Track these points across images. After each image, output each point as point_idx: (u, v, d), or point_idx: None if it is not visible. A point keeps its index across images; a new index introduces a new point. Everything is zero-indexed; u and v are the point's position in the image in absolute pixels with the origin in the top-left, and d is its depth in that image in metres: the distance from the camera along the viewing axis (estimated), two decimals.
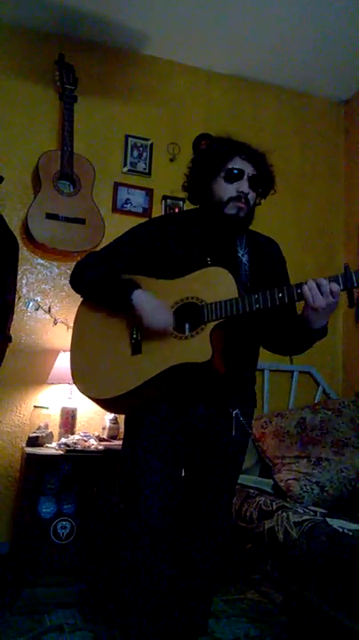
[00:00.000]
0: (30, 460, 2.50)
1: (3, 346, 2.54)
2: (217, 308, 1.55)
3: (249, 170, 1.67)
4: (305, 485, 2.40)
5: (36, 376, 2.85)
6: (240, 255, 1.71)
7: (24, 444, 2.67)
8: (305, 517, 2.05)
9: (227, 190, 1.65)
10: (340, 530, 1.88)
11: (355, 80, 3.48)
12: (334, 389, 3.40)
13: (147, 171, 3.19)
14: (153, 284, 1.66)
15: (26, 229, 2.82)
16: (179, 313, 1.62)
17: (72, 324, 1.81)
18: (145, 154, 3.19)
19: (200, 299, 1.59)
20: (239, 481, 2.52)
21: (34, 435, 2.63)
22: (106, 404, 1.71)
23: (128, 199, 3.13)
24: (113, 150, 3.15)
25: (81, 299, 1.83)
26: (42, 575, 2.39)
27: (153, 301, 1.60)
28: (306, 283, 1.48)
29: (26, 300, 2.92)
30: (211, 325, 1.55)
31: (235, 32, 3.07)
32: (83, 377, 1.72)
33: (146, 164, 3.19)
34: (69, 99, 2.93)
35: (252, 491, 2.45)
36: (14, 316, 2.66)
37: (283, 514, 2.12)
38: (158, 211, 3.16)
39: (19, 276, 2.74)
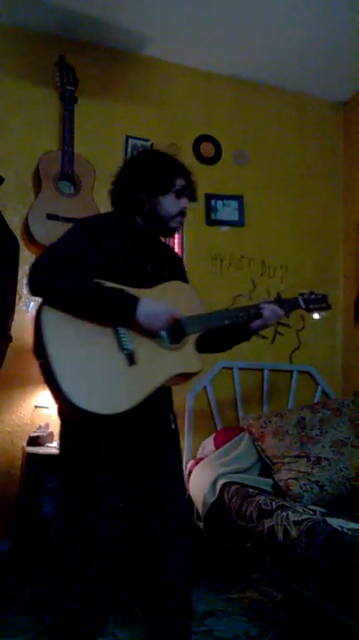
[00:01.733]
0: (31, 459, 2.50)
1: (4, 346, 2.54)
2: (197, 323, 1.74)
3: (187, 187, 1.83)
4: (304, 485, 2.41)
5: (37, 376, 2.78)
6: (168, 263, 1.88)
7: (25, 444, 2.68)
8: (304, 517, 2.05)
9: (176, 205, 1.80)
10: (340, 529, 1.89)
11: (354, 81, 3.49)
12: (333, 389, 3.41)
13: None
14: (134, 293, 1.65)
15: (26, 230, 2.83)
16: None
17: (37, 327, 1.56)
18: None
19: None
20: (239, 480, 2.56)
21: (34, 434, 2.64)
22: (103, 418, 1.56)
23: None
24: (113, 151, 3.16)
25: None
26: (42, 574, 2.39)
27: (155, 308, 1.64)
28: (264, 308, 1.84)
29: (26, 300, 2.92)
30: (193, 338, 1.74)
31: (234, 33, 3.08)
32: (82, 390, 1.53)
33: None
34: (70, 100, 2.94)
35: (252, 490, 2.46)
36: (15, 316, 2.67)
37: (283, 513, 2.12)
38: None
39: (19, 277, 2.75)
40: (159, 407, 1.75)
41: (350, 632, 1.78)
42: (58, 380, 1.52)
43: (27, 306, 2.92)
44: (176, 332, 1.70)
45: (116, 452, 1.68)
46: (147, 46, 3.21)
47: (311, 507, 2.30)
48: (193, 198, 1.86)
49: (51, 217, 2.80)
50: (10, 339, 2.60)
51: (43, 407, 2.75)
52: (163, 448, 1.76)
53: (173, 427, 1.79)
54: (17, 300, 2.75)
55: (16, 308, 2.72)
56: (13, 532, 2.69)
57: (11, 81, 3.00)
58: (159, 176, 1.78)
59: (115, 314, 1.60)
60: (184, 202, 1.81)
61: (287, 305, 1.92)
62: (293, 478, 2.44)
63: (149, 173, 1.80)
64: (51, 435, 2.67)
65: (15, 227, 2.83)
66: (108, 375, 1.58)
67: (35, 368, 2.84)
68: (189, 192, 1.83)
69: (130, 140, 3.18)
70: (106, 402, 1.55)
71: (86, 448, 1.66)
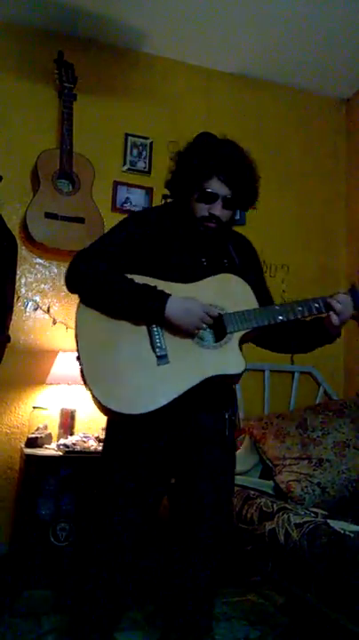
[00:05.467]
0: (29, 461, 2.48)
1: (2, 346, 2.52)
2: (242, 319, 1.58)
3: (224, 192, 1.62)
4: (306, 487, 2.38)
5: (35, 376, 2.84)
6: (233, 256, 1.72)
7: (23, 445, 2.66)
8: (306, 519, 2.03)
9: (199, 209, 1.64)
10: (342, 531, 1.87)
11: (356, 78, 3.46)
12: (335, 390, 3.38)
13: (146, 169, 3.17)
14: (167, 288, 1.58)
15: (25, 229, 2.81)
16: None
17: (73, 326, 1.61)
18: (144, 152, 3.18)
19: (219, 306, 1.59)
20: (239, 482, 2.53)
21: (33, 436, 2.62)
22: (132, 418, 1.54)
23: (127, 198, 3.12)
24: (112, 149, 3.14)
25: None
26: (41, 577, 2.37)
27: (186, 304, 1.54)
28: (332, 300, 1.64)
29: (24, 299, 2.90)
30: (238, 336, 1.58)
31: (235, 30, 3.05)
32: (110, 389, 1.53)
33: (145, 162, 3.18)
34: (69, 97, 2.92)
35: (253, 492, 2.44)
36: (13, 316, 2.64)
37: (284, 515, 2.10)
38: None
39: (17, 276, 2.73)
40: (212, 411, 1.63)
41: (352, 635, 1.76)
42: (86, 379, 1.54)
43: (26, 306, 2.90)
44: (220, 329, 1.59)
45: (154, 455, 1.59)
46: (147, 43, 3.18)
47: (313, 509, 2.28)
48: (230, 205, 1.65)
49: (49, 216, 2.78)
50: (8, 339, 2.58)
51: (41, 408, 2.73)
52: (211, 453, 1.63)
53: (227, 433, 1.64)
54: (15, 299, 2.73)
55: (14, 309, 2.69)
56: (12, 534, 2.67)
57: (9, 78, 2.98)
58: (185, 177, 1.66)
59: (143, 311, 1.55)
60: (209, 207, 1.62)
61: None
62: (295, 480, 2.42)
63: (177, 173, 1.70)
64: (49, 436, 2.65)
65: (13, 226, 2.80)
66: (137, 374, 1.53)
67: (33, 368, 2.86)
68: (224, 197, 1.62)
69: (129, 138, 3.16)
70: (130, 402, 1.51)
71: (121, 448, 1.62)
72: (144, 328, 1.57)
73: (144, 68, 3.25)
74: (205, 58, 3.30)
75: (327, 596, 1.83)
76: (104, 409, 1.54)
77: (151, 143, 3.18)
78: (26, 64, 3.01)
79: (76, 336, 1.59)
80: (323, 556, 1.84)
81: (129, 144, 3.15)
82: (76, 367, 1.57)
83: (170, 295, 1.53)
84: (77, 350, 1.58)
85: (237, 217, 3.40)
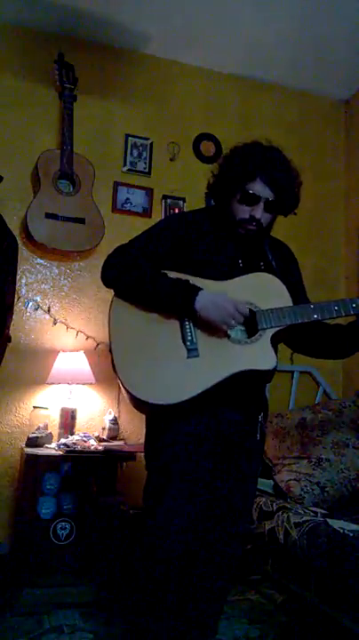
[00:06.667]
0: (30, 460, 2.49)
1: (3, 346, 2.53)
2: (275, 316, 1.57)
3: (267, 194, 1.61)
4: (305, 486, 2.39)
5: (36, 376, 2.85)
6: (271, 260, 1.71)
7: (23, 445, 2.67)
8: (305, 518, 2.04)
9: (240, 211, 1.63)
10: (341, 531, 1.88)
11: (355, 79, 3.47)
12: (335, 390, 3.39)
13: (147, 170, 3.18)
14: (200, 283, 1.59)
15: (25, 229, 2.81)
16: None
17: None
18: (145, 153, 3.18)
19: (253, 304, 1.59)
20: None
21: (33, 435, 2.62)
22: (159, 409, 1.55)
23: (128, 199, 3.13)
24: (113, 150, 3.14)
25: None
26: (41, 576, 2.38)
27: (216, 298, 1.54)
28: None
29: (25, 300, 2.91)
30: (270, 332, 1.57)
31: (235, 31, 3.06)
32: (138, 379, 1.56)
33: (146, 163, 3.18)
34: (69, 98, 2.92)
35: None
36: (14, 316, 2.65)
37: (284, 514, 2.11)
38: (158, 210, 3.15)
39: (18, 276, 2.73)
40: (244, 411, 1.63)
41: (351, 634, 1.77)
42: (116, 370, 1.56)
43: (26, 306, 2.91)
44: (252, 326, 1.59)
45: (184, 450, 1.57)
46: (147, 44, 3.19)
47: (312, 508, 2.29)
48: (272, 209, 1.64)
49: (49, 216, 2.79)
50: (8, 339, 2.59)
51: (41, 408, 2.74)
52: (241, 458, 1.63)
53: (258, 437, 1.64)
54: (15, 300, 2.73)
55: (15, 309, 2.70)
56: (12, 533, 2.68)
57: (9, 79, 2.99)
58: (228, 178, 1.66)
59: (174, 303, 1.56)
60: (250, 209, 1.62)
61: None
62: (294, 479, 2.43)
63: (221, 173, 1.70)
64: (49, 436, 2.66)
65: (14, 226, 2.81)
66: (167, 367, 1.55)
67: (34, 368, 2.87)
68: (266, 200, 1.61)
69: (129, 139, 3.16)
70: (159, 392, 1.52)
71: (158, 443, 1.61)
72: (176, 322, 1.58)
73: (144, 69, 3.26)
74: (205, 59, 3.31)
75: (326, 594, 1.84)
76: (133, 400, 1.55)
77: (151, 144, 3.19)
78: (26, 65, 3.02)
79: (109, 329, 1.62)
80: (322, 554, 1.85)
81: (129, 145, 3.16)
82: (109, 359, 1.61)
83: (201, 289, 1.54)
84: (110, 342, 1.61)
85: None
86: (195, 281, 1.58)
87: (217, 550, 1.65)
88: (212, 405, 1.57)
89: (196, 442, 1.57)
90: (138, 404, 1.57)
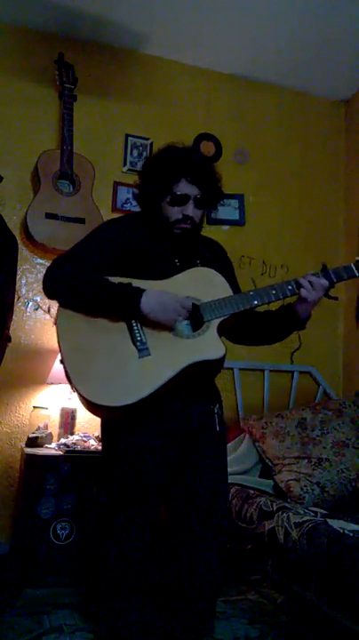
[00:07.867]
0: (30, 460, 2.49)
1: (3, 346, 2.52)
2: (218, 307, 1.63)
3: (194, 192, 1.71)
4: (305, 486, 2.39)
5: (36, 376, 2.85)
6: (206, 256, 1.78)
7: (23, 445, 2.67)
8: (305, 518, 2.04)
9: (172, 213, 1.72)
10: (341, 531, 1.87)
11: (355, 79, 3.47)
12: (334, 390, 3.39)
13: None
14: (142, 284, 1.65)
15: (25, 229, 2.81)
16: None
17: (56, 330, 1.67)
18: (145, 153, 3.18)
19: (195, 298, 1.65)
20: (239, 482, 2.54)
21: (33, 435, 2.62)
22: (122, 410, 1.58)
23: (128, 199, 3.12)
24: (113, 150, 3.15)
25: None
26: (41, 576, 2.38)
27: (160, 297, 1.60)
28: (301, 280, 1.67)
29: (25, 300, 2.91)
30: (215, 323, 1.63)
31: (235, 31, 3.06)
32: (89, 383, 1.59)
33: None
34: (69, 98, 2.93)
35: (252, 491, 2.44)
36: (13, 317, 2.65)
37: (284, 514, 2.11)
38: None
39: (18, 276, 2.73)
40: (199, 403, 1.70)
41: (351, 634, 1.76)
42: (71, 380, 1.60)
43: (26, 306, 2.91)
44: (197, 319, 1.64)
45: (149, 449, 1.63)
46: (147, 44, 3.19)
47: (312, 508, 2.29)
48: (201, 204, 1.73)
49: (49, 216, 2.79)
50: (8, 339, 2.58)
51: (41, 408, 2.74)
52: (205, 449, 1.70)
53: (218, 429, 1.72)
54: (15, 300, 2.73)
55: (14, 309, 2.70)
56: (12, 533, 2.68)
57: (9, 79, 2.99)
58: (154, 185, 1.73)
59: (120, 307, 1.61)
60: (182, 209, 1.71)
61: (336, 275, 1.69)
62: (294, 479, 2.43)
63: (146, 181, 1.77)
64: (49, 436, 2.66)
65: (14, 226, 2.81)
66: (118, 368, 1.59)
67: (34, 368, 2.86)
68: (194, 197, 1.70)
69: (129, 139, 3.17)
70: (116, 394, 1.56)
71: (119, 446, 1.66)
72: (123, 324, 1.63)
73: (144, 69, 3.26)
74: (205, 59, 3.31)
75: (327, 594, 1.84)
76: (92, 406, 1.59)
77: (151, 144, 3.19)
78: (26, 65, 3.02)
79: (59, 340, 1.65)
80: (322, 554, 1.85)
81: (129, 145, 3.16)
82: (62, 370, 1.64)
83: (144, 290, 1.59)
84: (60, 353, 1.64)
85: (237, 217, 3.43)
86: (138, 283, 1.63)
87: (200, 547, 1.68)
88: (170, 400, 1.62)
89: (157, 438, 1.62)
90: (100, 410, 1.61)
